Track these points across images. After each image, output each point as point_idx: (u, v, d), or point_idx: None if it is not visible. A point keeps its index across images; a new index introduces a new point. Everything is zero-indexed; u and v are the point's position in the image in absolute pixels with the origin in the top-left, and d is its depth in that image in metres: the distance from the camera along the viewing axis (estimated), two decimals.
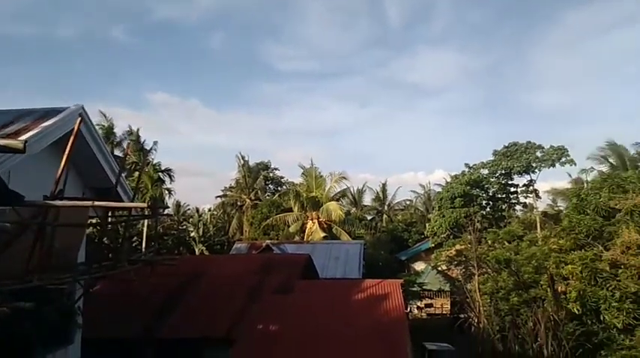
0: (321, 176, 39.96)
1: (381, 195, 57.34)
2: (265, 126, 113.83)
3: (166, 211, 25.91)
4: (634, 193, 17.97)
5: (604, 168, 31.73)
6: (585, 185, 27.44)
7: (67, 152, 7.64)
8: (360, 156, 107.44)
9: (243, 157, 51.28)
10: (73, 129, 8.26)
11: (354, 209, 53.78)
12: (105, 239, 15.12)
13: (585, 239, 17.68)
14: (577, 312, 16.44)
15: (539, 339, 16.75)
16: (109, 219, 11.43)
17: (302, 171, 41.35)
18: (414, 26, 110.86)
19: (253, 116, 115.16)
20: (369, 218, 55.81)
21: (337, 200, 39.57)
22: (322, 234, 34.20)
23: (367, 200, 58.01)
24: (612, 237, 17.01)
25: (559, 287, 17.15)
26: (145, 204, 11.57)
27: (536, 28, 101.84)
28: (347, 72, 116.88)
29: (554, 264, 17.67)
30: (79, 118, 8.71)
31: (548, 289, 17.38)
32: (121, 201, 11.15)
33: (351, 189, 55.49)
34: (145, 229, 30.98)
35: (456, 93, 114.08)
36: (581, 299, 16.30)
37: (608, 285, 15.91)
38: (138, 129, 38.95)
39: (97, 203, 6.81)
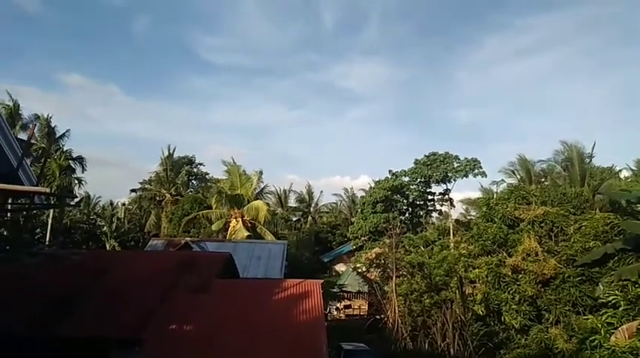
0: (246, 174, 39.38)
1: (306, 197, 57.71)
2: (191, 119, 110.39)
3: (75, 202, 24.13)
4: (536, 205, 19.64)
5: (513, 181, 34.51)
6: (495, 195, 29.58)
7: None
8: (288, 158, 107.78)
9: (168, 150, 49.10)
10: None
11: (279, 209, 53.61)
12: (2, 228, 13.73)
13: (492, 245, 19.00)
14: (481, 313, 17.60)
15: (447, 339, 17.69)
16: (8, 206, 10.39)
17: (226, 168, 40.55)
18: (346, 33, 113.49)
19: (178, 108, 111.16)
20: (294, 219, 55.94)
21: (262, 199, 39.22)
22: (246, 233, 33.65)
23: (293, 201, 58.25)
24: (515, 244, 18.43)
25: (466, 290, 18.25)
26: (46, 189, 10.60)
27: (456, 47, 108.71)
28: (278, 72, 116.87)
29: (463, 268, 18.79)
30: None
31: (457, 291, 18.43)
32: None
33: (277, 190, 55.42)
34: (50, 221, 28.53)
35: (382, 103, 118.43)
36: (486, 301, 17.48)
37: (509, 289, 17.22)
38: (49, 115, 35.75)
39: None
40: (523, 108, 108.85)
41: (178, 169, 49.26)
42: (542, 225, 18.52)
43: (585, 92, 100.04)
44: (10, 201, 10.38)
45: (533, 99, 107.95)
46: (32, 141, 29.17)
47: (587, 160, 32.69)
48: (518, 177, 35.50)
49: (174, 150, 48.74)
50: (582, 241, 17.33)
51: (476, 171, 33.68)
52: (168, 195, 46.63)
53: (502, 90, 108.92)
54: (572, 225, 18.31)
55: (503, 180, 35.96)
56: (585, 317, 15.52)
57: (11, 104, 33.66)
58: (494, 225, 19.52)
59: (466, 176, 33.91)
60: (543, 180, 34.36)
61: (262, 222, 35.36)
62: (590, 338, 14.43)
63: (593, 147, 32.19)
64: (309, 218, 56.55)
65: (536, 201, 20.41)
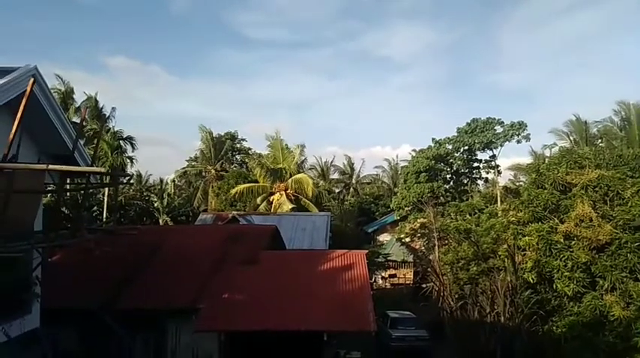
0: (288, 148, 39.75)
1: (348, 168, 57.69)
2: (233, 95, 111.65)
3: (128, 180, 25.21)
4: (590, 169, 18.70)
5: (566, 144, 32.89)
6: (545, 160, 28.38)
7: (19, 115, 7.24)
8: (329, 130, 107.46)
9: (207, 128, 50.30)
10: (25, 90, 7.81)
11: (322, 181, 53.98)
12: (63, 207, 14.66)
13: (542, 212, 18.35)
14: (532, 281, 17.21)
15: (496, 307, 17.50)
16: (67, 187, 11.00)
17: (268, 142, 41.14)
18: None
19: (220, 85, 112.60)
20: (337, 191, 56.24)
21: (304, 172, 39.69)
22: (290, 206, 34.20)
23: (335, 173, 58.44)
24: (568, 210, 17.70)
25: (516, 258, 17.85)
26: (102, 169, 11.19)
27: (503, 7, 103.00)
28: (317, 43, 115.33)
29: (512, 236, 18.33)
30: (32, 79, 8.25)
31: (506, 259, 18.06)
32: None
33: (319, 162, 55.71)
34: (105, 199, 30.09)
35: (424, 69, 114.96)
36: (537, 268, 17.05)
37: (561, 256, 16.67)
38: (96, 94, 37.30)
39: (51, 166, 6.51)
40: (578, 67, 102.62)
41: (222, 145, 50.41)
42: (596, 189, 17.64)
43: None
44: (68, 181, 11.01)
45: (589, 58, 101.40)
46: (84, 123, 30.54)
47: None
48: (572, 139, 33.81)
49: (211, 128, 50.08)
50: None
51: (520, 135, 32.27)
52: (213, 171, 47.96)
53: (554, 49, 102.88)
54: (630, 189, 17.32)
55: (555, 143, 34.31)
56: None
57: (63, 88, 35.26)
58: (545, 191, 18.79)
59: (508, 141, 32.61)
60: (599, 141, 32.56)
61: (310, 196, 35.85)
62: None
63: None
64: (352, 189, 56.65)
65: (589, 164, 19.42)
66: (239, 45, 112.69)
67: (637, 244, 15.75)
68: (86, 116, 32.78)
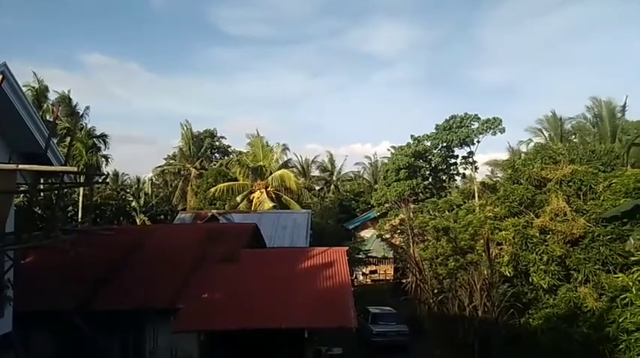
0: (269, 146, 39.61)
1: (328, 165, 57.75)
2: (213, 93, 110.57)
3: (103, 179, 24.65)
4: (564, 164, 19.14)
5: (541, 140, 33.67)
6: (521, 156, 28.96)
7: None
8: (309, 127, 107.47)
9: (188, 124, 49.71)
10: None
11: (302, 179, 53.93)
12: (36, 208, 14.26)
13: (518, 207, 18.70)
14: (509, 275, 17.53)
15: (474, 300, 17.77)
16: (40, 187, 10.73)
17: (248, 141, 40.91)
18: None
19: (200, 82, 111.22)
20: (317, 188, 56.25)
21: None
22: (271, 204, 34.06)
23: (315, 170, 58.44)
24: (543, 205, 18.07)
25: (493, 252, 18.15)
26: (75, 168, 10.92)
27: (484, 4, 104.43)
28: (300, 39, 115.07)
29: (489, 231, 18.64)
30: (1, 76, 8.01)
31: (483, 254, 18.35)
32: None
33: (300, 159, 55.65)
34: (80, 198, 29.44)
35: (406, 66, 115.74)
36: (513, 262, 17.38)
37: (537, 250, 17.00)
38: (69, 92, 36.49)
39: (21, 166, 6.32)
40: (556, 64, 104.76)
41: (201, 143, 49.89)
42: (570, 184, 18.04)
43: (625, 44, 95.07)
44: (41, 181, 10.73)
45: (567, 55, 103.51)
46: (57, 121, 29.76)
47: (619, 115, 31.52)
48: (546, 135, 34.64)
49: (191, 125, 49.45)
50: (612, 199, 16.84)
51: (496, 129, 32.93)
52: (192, 169, 47.41)
53: (533, 47, 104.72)
54: (602, 183, 17.78)
55: (530, 139, 35.13)
56: (616, 275, 15.25)
57: (36, 86, 34.31)
58: (521, 186, 19.16)
59: (482, 134, 33.27)
60: (573, 137, 33.43)
61: (294, 189, 35.84)
62: (621, 297, 14.24)
63: (625, 101, 30.97)
64: (332, 186, 56.76)
65: (563, 159, 19.88)
66: (221, 41, 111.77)
67: (609, 237, 16.16)
68: (59, 114, 31.97)
